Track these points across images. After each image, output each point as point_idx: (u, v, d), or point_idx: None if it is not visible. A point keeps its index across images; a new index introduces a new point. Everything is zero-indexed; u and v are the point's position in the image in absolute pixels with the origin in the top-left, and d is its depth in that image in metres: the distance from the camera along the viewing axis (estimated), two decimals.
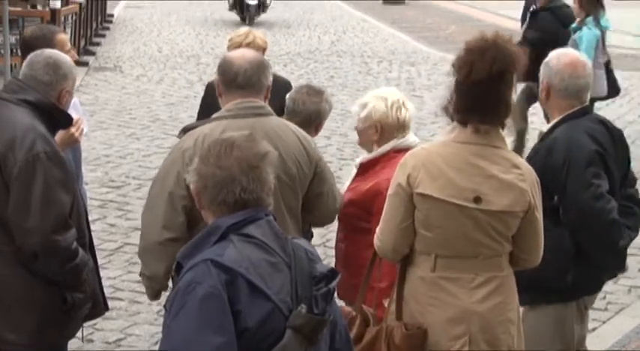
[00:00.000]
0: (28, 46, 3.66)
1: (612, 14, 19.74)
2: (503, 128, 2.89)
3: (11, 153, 2.97)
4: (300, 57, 13.82)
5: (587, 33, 7.12)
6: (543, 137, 3.48)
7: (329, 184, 3.34)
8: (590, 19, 7.18)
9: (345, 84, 11.71)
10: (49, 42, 3.63)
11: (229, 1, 17.68)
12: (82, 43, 13.43)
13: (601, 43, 7.17)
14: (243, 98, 3.12)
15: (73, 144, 3.69)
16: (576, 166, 3.29)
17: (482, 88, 2.79)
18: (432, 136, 8.61)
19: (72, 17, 12.75)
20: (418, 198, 2.86)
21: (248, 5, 16.94)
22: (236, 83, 3.12)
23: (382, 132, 3.50)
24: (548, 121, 3.65)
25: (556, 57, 3.48)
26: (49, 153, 3.00)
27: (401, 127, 3.51)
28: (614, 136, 3.48)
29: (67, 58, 3.27)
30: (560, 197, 3.33)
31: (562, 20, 7.46)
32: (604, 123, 3.51)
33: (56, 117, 3.16)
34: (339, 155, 8.21)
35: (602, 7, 7.31)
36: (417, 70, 12.93)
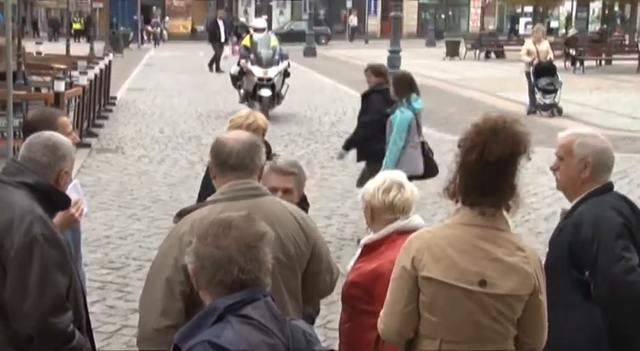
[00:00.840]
0: (30, 128, 3.69)
1: (611, 97, 19.94)
2: (507, 211, 2.88)
3: (9, 235, 2.97)
4: (301, 137, 13.94)
5: (399, 115, 7.51)
6: (567, 215, 3.49)
7: (325, 261, 3.33)
8: (403, 101, 7.56)
9: (346, 164, 11.75)
10: (51, 124, 3.66)
11: (240, 93, 16.44)
12: (85, 125, 13.57)
13: (415, 125, 7.57)
14: (238, 180, 3.12)
15: (73, 225, 3.68)
16: (606, 240, 3.28)
17: (491, 170, 2.79)
18: (432, 216, 8.60)
19: (75, 100, 12.92)
20: (423, 281, 2.83)
21: (261, 97, 15.73)
22: (229, 165, 3.12)
23: (372, 214, 3.52)
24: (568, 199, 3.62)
25: (590, 136, 3.52)
26: (46, 235, 3.00)
27: (389, 209, 3.49)
28: (636, 212, 3.49)
29: (65, 140, 3.29)
30: (590, 272, 3.31)
31: (390, 102, 7.88)
32: (625, 199, 3.55)
33: (55, 199, 3.18)
34: (340, 235, 8.19)
35: (414, 90, 7.70)
36: None
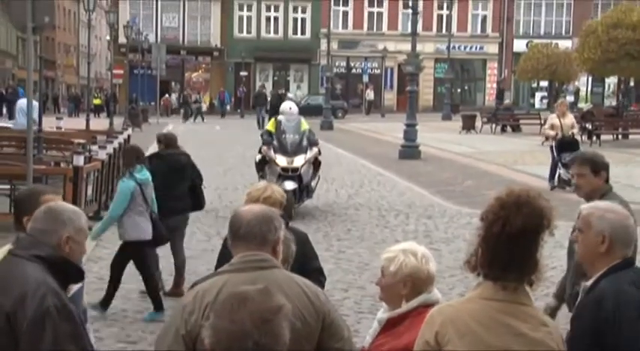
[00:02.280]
0: (17, 205, 3.86)
1: (629, 171, 19.83)
2: (530, 285, 2.86)
3: (22, 308, 2.98)
4: (318, 210, 13.95)
5: (121, 184, 8.16)
6: (589, 291, 3.45)
7: (344, 342, 3.18)
8: (127, 171, 8.19)
9: (363, 237, 11.74)
10: (36, 202, 3.60)
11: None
12: (104, 198, 13.65)
13: (139, 193, 8.03)
14: (247, 251, 3.11)
15: None
16: (628, 318, 3.24)
17: (515, 244, 2.77)
18: (450, 289, 8.52)
19: (94, 174, 13.03)
20: None
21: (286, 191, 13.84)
22: (239, 235, 3.13)
23: (412, 287, 3.47)
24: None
25: (610, 210, 3.50)
26: (59, 307, 3.01)
27: (429, 280, 3.50)
28: None
29: (68, 207, 3.32)
30: (613, 350, 3.26)
31: (172, 165, 8.97)
32: None
33: (67, 271, 3.18)
34: (357, 308, 8.11)
35: (140, 162, 8.27)
36: (435, 223, 12.98)
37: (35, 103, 19.25)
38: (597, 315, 3.28)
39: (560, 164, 16.56)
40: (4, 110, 43.64)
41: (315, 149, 13.52)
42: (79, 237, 3.25)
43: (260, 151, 13.49)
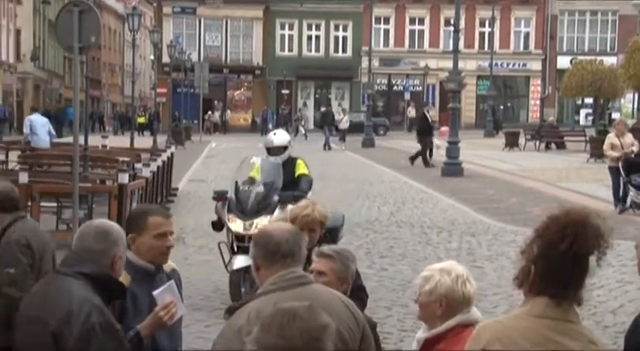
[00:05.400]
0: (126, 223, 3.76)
1: None
2: (579, 304, 2.84)
3: (67, 326, 3.01)
4: (360, 227, 13.93)
5: None
6: None
7: (373, 348, 3.30)
8: None
9: (405, 254, 11.68)
10: (143, 222, 3.66)
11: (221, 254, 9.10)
12: None
13: None
14: (286, 268, 3.13)
15: (161, 327, 3.58)
16: None
17: (578, 262, 2.76)
18: (494, 307, 8.43)
19: (138, 191, 13.18)
20: None
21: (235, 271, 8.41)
22: (280, 254, 3.13)
23: (447, 307, 3.46)
24: None
25: None
26: (103, 325, 3.04)
27: (466, 302, 3.48)
28: None
29: (115, 226, 3.37)
30: None
31: None
32: None
33: (111, 288, 3.22)
34: (400, 326, 8.07)
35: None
36: (478, 240, 12.88)
37: (45, 120, 19.74)
38: None
39: (630, 186, 15.45)
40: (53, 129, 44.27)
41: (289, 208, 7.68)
42: (124, 254, 3.32)
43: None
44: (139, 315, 3.54)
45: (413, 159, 26.28)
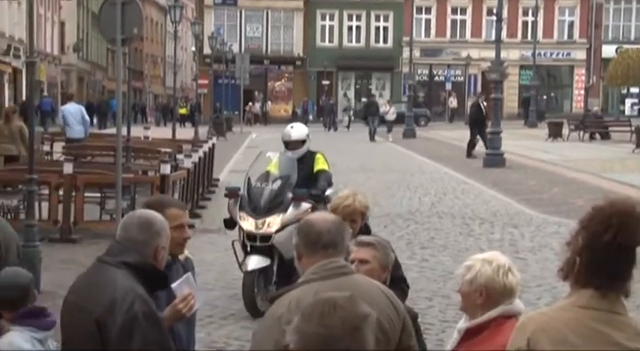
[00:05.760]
0: None
1: None
2: (627, 296, 2.80)
3: (111, 315, 3.04)
4: (401, 218, 13.88)
5: None
6: None
7: (414, 340, 3.30)
8: None
9: (446, 245, 11.62)
10: (160, 214, 3.62)
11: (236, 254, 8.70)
12: (189, 206, 13.90)
13: None
14: (327, 258, 3.13)
15: (180, 319, 3.63)
16: None
17: (624, 254, 2.72)
18: (537, 299, 8.36)
19: (180, 182, 13.28)
20: None
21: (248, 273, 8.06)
22: (321, 243, 3.14)
23: (487, 297, 3.43)
24: None
25: None
26: (146, 314, 3.06)
27: (507, 293, 3.44)
28: None
29: (158, 216, 3.36)
30: None
31: None
32: None
33: (154, 278, 3.24)
34: (441, 317, 8.03)
35: None
36: (520, 232, 12.76)
37: (77, 109, 19.25)
38: None
39: None
40: (95, 120, 44.87)
41: (304, 206, 7.99)
42: (167, 245, 3.33)
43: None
44: (157, 306, 3.56)
45: (469, 149, 25.72)
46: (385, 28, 56.40)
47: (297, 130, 8.66)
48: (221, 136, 33.63)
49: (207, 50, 48.87)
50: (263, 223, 7.91)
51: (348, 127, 45.01)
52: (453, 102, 53.68)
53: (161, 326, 3.12)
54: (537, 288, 8.87)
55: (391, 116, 37.67)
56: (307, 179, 8.19)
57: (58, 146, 17.86)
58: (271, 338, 3.01)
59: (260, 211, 7.98)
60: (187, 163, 14.16)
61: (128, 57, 24.66)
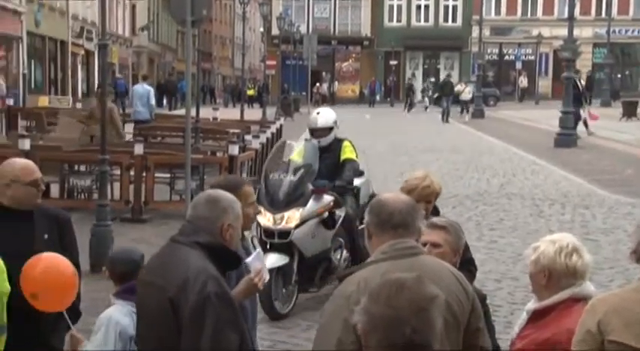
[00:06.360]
0: None
1: None
2: None
3: (184, 295, 3.07)
4: (469, 199, 13.75)
5: None
6: None
7: (483, 322, 3.25)
8: None
9: (516, 227, 11.48)
10: (233, 192, 3.72)
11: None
12: (257, 187, 14.01)
13: None
14: (398, 238, 3.11)
15: (254, 292, 3.75)
16: None
17: None
18: (609, 281, 8.20)
19: (248, 163, 13.39)
20: (611, 346, 2.71)
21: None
22: (392, 223, 3.12)
23: (550, 278, 3.39)
24: None
25: None
26: (219, 294, 3.09)
27: (571, 274, 3.38)
28: None
29: (227, 195, 3.37)
30: None
31: None
32: None
33: (226, 258, 3.27)
34: (510, 299, 7.95)
35: None
36: (592, 213, 12.52)
37: (146, 91, 19.30)
38: None
39: None
40: (165, 101, 45.49)
41: (325, 199, 7.47)
42: (237, 224, 3.32)
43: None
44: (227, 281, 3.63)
45: (585, 126, 24.83)
46: (454, 7, 55.69)
47: (324, 117, 8.09)
48: (288, 117, 33.78)
49: (275, 31, 48.99)
50: (281, 218, 7.31)
51: (426, 108, 44.37)
52: (523, 81, 52.77)
53: (233, 306, 3.15)
54: (609, 270, 8.70)
55: (467, 95, 37.12)
56: (333, 169, 7.75)
57: (129, 127, 18.15)
58: (340, 317, 3.02)
59: (278, 205, 7.37)
60: (255, 144, 14.27)
61: (197, 38, 24.88)
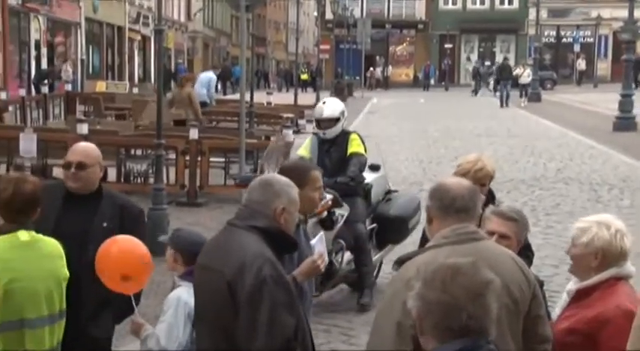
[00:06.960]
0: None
1: None
2: None
3: (240, 278, 3.09)
4: (524, 184, 13.59)
5: None
6: None
7: (544, 309, 3.25)
8: None
9: (573, 212, 11.30)
10: (302, 177, 3.80)
11: None
12: None
13: None
14: (460, 223, 3.10)
15: (315, 274, 3.79)
16: None
17: None
18: None
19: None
20: None
21: None
22: (454, 208, 3.11)
23: (603, 259, 3.39)
24: None
25: None
26: (275, 277, 3.10)
27: (622, 256, 3.41)
28: None
29: (282, 179, 3.38)
30: None
31: None
32: None
33: (283, 242, 3.27)
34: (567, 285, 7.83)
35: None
36: None
37: (207, 79, 19.47)
38: None
39: None
40: (219, 86, 45.80)
41: (326, 197, 6.14)
42: (292, 208, 3.32)
43: None
44: (289, 262, 3.65)
45: None
46: None
47: (330, 107, 7.49)
48: (342, 101, 33.64)
49: (329, 15, 48.94)
50: None
51: (476, 92, 43.75)
52: (581, 64, 51.81)
53: (289, 289, 3.16)
54: None
55: (526, 79, 36.50)
56: (340, 163, 7.21)
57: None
58: (399, 301, 3.00)
59: None
60: (309, 128, 14.27)
61: (252, 23, 24.99)
